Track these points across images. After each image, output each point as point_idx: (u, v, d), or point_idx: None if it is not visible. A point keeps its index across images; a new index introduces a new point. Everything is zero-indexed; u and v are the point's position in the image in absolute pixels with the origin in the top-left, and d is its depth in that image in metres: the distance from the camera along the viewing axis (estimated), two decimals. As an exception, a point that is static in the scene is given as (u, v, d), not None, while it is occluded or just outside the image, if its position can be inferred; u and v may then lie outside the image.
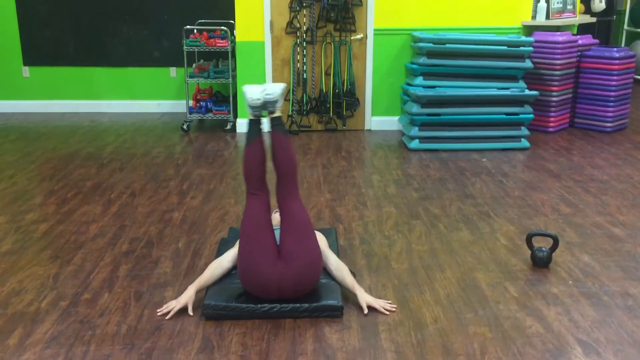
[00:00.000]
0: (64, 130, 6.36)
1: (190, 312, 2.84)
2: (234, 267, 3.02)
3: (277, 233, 3.01)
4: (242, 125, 6.31)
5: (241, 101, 6.29)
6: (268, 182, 3.02)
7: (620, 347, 2.61)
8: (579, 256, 3.47)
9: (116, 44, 7.09)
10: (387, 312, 2.86)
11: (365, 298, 2.89)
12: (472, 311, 2.89)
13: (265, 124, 3.03)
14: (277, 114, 3.07)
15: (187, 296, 2.87)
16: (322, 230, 3.49)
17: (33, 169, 5.08)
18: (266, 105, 3.04)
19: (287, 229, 2.88)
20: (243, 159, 3.04)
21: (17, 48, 7.08)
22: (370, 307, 2.87)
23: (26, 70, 7.16)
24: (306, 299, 2.85)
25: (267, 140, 3.03)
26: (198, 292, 2.91)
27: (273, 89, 3.04)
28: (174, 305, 2.85)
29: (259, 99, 3.00)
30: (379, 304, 2.89)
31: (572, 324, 2.79)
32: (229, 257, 3.03)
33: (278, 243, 2.91)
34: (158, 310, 2.86)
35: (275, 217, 3.37)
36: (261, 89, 3.03)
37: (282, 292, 2.80)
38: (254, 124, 3.06)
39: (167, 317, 2.81)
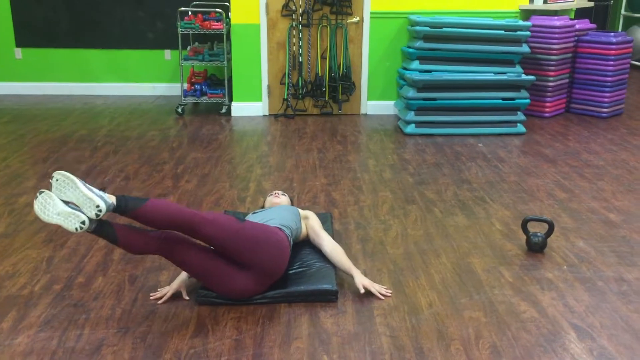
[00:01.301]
0: (57, 113, 6.30)
1: (185, 297, 2.83)
2: None
3: (266, 212, 3.01)
4: (237, 108, 6.28)
5: (236, 84, 6.25)
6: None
7: (614, 332, 2.62)
8: (574, 241, 3.47)
9: (110, 26, 7.02)
10: (382, 297, 2.85)
11: (362, 281, 2.89)
12: (467, 296, 2.90)
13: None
14: (101, 210, 2.41)
15: (180, 280, 2.85)
16: (317, 215, 3.47)
17: (26, 151, 5.04)
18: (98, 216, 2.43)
19: (218, 251, 2.70)
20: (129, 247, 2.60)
21: (9, 29, 7.00)
22: (366, 290, 2.87)
23: (19, 52, 7.09)
24: (301, 283, 2.85)
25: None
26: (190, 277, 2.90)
27: (94, 199, 2.39)
28: (167, 290, 2.84)
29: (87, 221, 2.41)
30: (375, 288, 2.89)
31: (566, 309, 2.80)
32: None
33: (259, 219, 2.92)
34: (151, 295, 2.85)
35: (269, 200, 3.37)
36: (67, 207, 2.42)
37: (263, 285, 2.78)
38: (100, 225, 2.51)
39: (159, 302, 2.80)
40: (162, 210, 2.54)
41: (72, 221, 2.40)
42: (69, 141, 5.32)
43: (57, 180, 2.48)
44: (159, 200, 2.64)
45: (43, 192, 2.49)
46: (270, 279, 2.77)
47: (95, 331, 2.59)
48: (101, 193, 2.48)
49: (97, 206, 2.40)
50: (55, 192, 2.47)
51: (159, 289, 2.89)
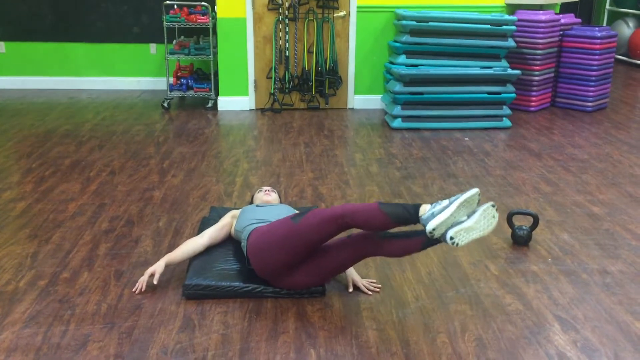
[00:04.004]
0: (41, 107, 6.24)
1: (155, 281, 2.81)
2: (211, 245, 3.04)
3: (265, 210, 3.01)
4: (223, 102, 6.25)
5: (222, 79, 6.22)
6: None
7: (598, 323, 2.65)
8: (559, 234, 3.50)
9: (95, 19, 6.95)
10: (370, 293, 2.86)
11: (352, 276, 2.90)
12: (453, 289, 2.91)
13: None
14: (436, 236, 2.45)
15: (156, 265, 2.86)
16: (303, 209, 3.47)
17: (10, 146, 4.99)
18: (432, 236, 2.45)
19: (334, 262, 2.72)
20: (369, 210, 2.55)
21: (-8, 23, 6.92)
22: (354, 286, 2.88)
23: (2, 46, 7.00)
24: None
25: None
26: (171, 267, 2.91)
27: (463, 239, 2.40)
28: (143, 278, 2.85)
29: (433, 234, 2.43)
30: (363, 283, 2.89)
31: (551, 301, 2.82)
32: (207, 235, 3.03)
33: (259, 218, 2.90)
34: (134, 289, 2.84)
35: (258, 197, 3.35)
36: (458, 219, 2.43)
37: (279, 282, 2.79)
38: (407, 220, 2.51)
39: (141, 292, 2.81)
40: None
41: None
42: (54, 136, 5.28)
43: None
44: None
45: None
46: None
47: (81, 327, 2.58)
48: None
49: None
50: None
51: (137, 283, 2.87)
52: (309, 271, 2.73)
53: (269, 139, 5.30)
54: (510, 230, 3.42)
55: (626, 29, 9.10)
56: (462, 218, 2.43)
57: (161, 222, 3.60)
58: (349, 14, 6.18)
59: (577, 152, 5.00)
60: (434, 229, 2.40)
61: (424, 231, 2.47)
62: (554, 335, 2.57)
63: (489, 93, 5.64)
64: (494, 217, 2.44)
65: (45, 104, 6.41)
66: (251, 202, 3.43)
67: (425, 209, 2.47)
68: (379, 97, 6.39)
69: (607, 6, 9.65)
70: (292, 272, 2.73)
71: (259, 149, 5.02)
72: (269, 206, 3.12)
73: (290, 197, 3.97)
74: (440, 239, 2.45)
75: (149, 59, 7.12)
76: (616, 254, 3.28)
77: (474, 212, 2.44)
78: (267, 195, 3.32)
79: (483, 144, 5.20)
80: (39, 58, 7.04)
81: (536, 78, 6.12)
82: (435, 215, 2.42)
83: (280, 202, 3.41)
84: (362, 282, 2.89)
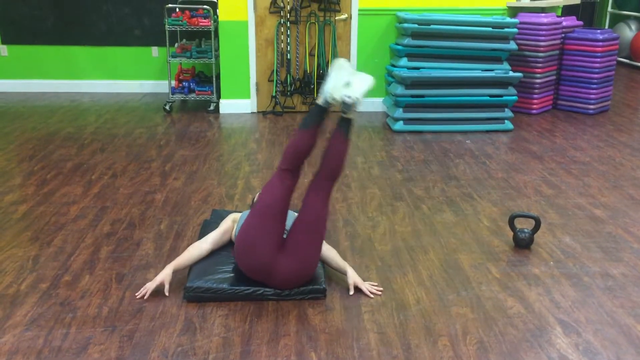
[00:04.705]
0: (43, 110, 6.26)
1: (166, 292, 2.82)
2: (213, 250, 3.02)
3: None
4: (225, 105, 6.26)
5: (224, 82, 6.23)
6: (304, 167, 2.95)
7: (600, 327, 2.65)
8: (561, 237, 3.50)
9: (97, 23, 6.97)
10: (372, 296, 2.85)
11: (354, 278, 2.90)
12: (455, 292, 2.91)
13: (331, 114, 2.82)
14: (350, 116, 2.81)
15: (164, 275, 2.84)
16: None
17: (12, 149, 5.00)
18: (343, 105, 2.77)
19: (302, 220, 2.78)
20: (292, 140, 2.83)
21: (-6, 26, 6.94)
22: (356, 289, 2.88)
23: (4, 49, 7.02)
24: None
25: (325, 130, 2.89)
26: (175, 272, 2.89)
27: (357, 89, 2.74)
28: (150, 285, 2.83)
29: (335, 99, 2.75)
30: (366, 286, 2.89)
31: (552, 304, 2.81)
32: (209, 240, 3.02)
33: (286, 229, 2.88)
34: (136, 294, 2.84)
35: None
36: (345, 81, 2.75)
37: (271, 279, 2.78)
38: (319, 110, 2.82)
39: (144, 299, 2.79)
40: (342, 152, 2.82)
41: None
42: (56, 139, 5.29)
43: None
44: (348, 148, 2.86)
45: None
46: (290, 277, 2.77)
47: (82, 330, 2.58)
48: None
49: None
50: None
51: (142, 287, 2.87)
52: (290, 251, 2.74)
53: (271, 142, 5.30)
54: (512, 233, 3.42)
55: (628, 32, 9.10)
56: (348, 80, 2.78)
57: (163, 225, 3.60)
58: (350, 16, 6.18)
59: (579, 154, 4.99)
60: (327, 95, 2.76)
61: (337, 123, 2.82)
62: (556, 338, 2.56)
63: (490, 96, 5.63)
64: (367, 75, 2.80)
65: (48, 106, 6.42)
66: (252, 205, 3.43)
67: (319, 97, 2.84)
68: (380, 99, 6.39)
69: (609, 9, 9.64)
70: (277, 259, 2.73)
71: (260, 152, 5.03)
72: None
73: (291, 200, 3.96)
74: (343, 105, 2.75)
75: (151, 62, 7.13)
76: (618, 257, 3.27)
77: (355, 74, 2.81)
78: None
79: (485, 147, 5.20)
80: (41, 61, 7.06)
81: (538, 81, 6.11)
82: (324, 89, 2.80)
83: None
84: (364, 285, 2.89)
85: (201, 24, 6.21)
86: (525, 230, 3.37)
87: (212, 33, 6.26)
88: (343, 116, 2.81)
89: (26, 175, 4.40)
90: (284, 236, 2.82)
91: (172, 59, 6.31)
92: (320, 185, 2.83)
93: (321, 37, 6.18)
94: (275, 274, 2.76)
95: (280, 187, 2.78)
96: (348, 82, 2.76)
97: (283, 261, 2.74)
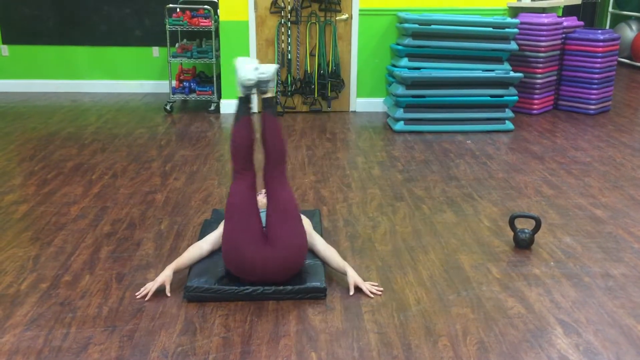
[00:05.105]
0: (44, 110, 6.26)
1: (168, 293, 2.82)
2: (213, 251, 3.02)
3: (262, 216, 2.99)
4: (226, 106, 6.26)
5: (225, 82, 6.23)
6: (256, 162, 2.98)
7: (601, 327, 2.64)
8: (561, 237, 3.49)
9: (97, 23, 6.97)
10: (372, 296, 2.85)
11: (354, 278, 2.89)
12: (455, 292, 2.91)
13: (255, 104, 2.98)
14: (269, 94, 2.95)
15: (165, 276, 2.85)
16: (305, 212, 3.47)
17: (12, 149, 5.00)
18: (259, 85, 2.90)
19: (273, 212, 2.85)
20: (231, 138, 2.96)
21: (-5, 26, 6.94)
22: (357, 288, 2.87)
23: (5, 49, 7.02)
24: (290, 280, 2.85)
25: (257, 120, 2.98)
26: (175, 273, 2.89)
27: (267, 69, 2.90)
28: (151, 286, 2.83)
29: (251, 80, 2.86)
30: (366, 286, 2.89)
31: (553, 304, 2.81)
32: (209, 240, 3.02)
33: (264, 225, 2.88)
34: (137, 294, 2.84)
35: (260, 200, 3.35)
36: (253, 66, 2.89)
37: (265, 274, 2.79)
38: (244, 102, 2.93)
39: (145, 299, 2.79)
40: (275, 129, 2.94)
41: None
42: (56, 139, 5.29)
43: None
44: (280, 124, 3.00)
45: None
46: (283, 267, 2.79)
47: (82, 330, 2.57)
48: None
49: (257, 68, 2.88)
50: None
51: (142, 288, 2.87)
52: (273, 243, 2.79)
53: (271, 142, 5.29)
54: (512, 233, 3.41)
55: (629, 32, 9.09)
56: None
57: (163, 225, 3.60)
58: (351, 17, 6.18)
59: (580, 155, 4.99)
60: (243, 80, 2.86)
61: (262, 106, 2.95)
62: (556, 338, 2.56)
63: (491, 96, 5.63)
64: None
65: (48, 107, 6.42)
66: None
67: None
68: (381, 100, 6.39)
69: (610, 9, 9.64)
70: (263, 254, 2.76)
71: (260, 152, 5.00)
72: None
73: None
74: (260, 84, 2.89)
75: (151, 62, 7.13)
76: (619, 257, 3.27)
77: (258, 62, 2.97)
78: (265, 198, 3.32)
79: (485, 147, 5.19)
80: (41, 61, 7.06)
81: (539, 81, 6.11)
82: (238, 80, 2.90)
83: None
84: (364, 285, 2.89)
85: (202, 24, 6.21)
86: (526, 230, 3.36)
87: (213, 33, 6.27)
88: (263, 97, 2.94)
89: (27, 175, 4.40)
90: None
91: (173, 59, 6.31)
92: (272, 174, 2.94)
93: (322, 38, 6.18)
94: (266, 270, 2.77)
95: (243, 185, 2.88)
96: (256, 67, 2.90)
97: (269, 254, 2.77)
